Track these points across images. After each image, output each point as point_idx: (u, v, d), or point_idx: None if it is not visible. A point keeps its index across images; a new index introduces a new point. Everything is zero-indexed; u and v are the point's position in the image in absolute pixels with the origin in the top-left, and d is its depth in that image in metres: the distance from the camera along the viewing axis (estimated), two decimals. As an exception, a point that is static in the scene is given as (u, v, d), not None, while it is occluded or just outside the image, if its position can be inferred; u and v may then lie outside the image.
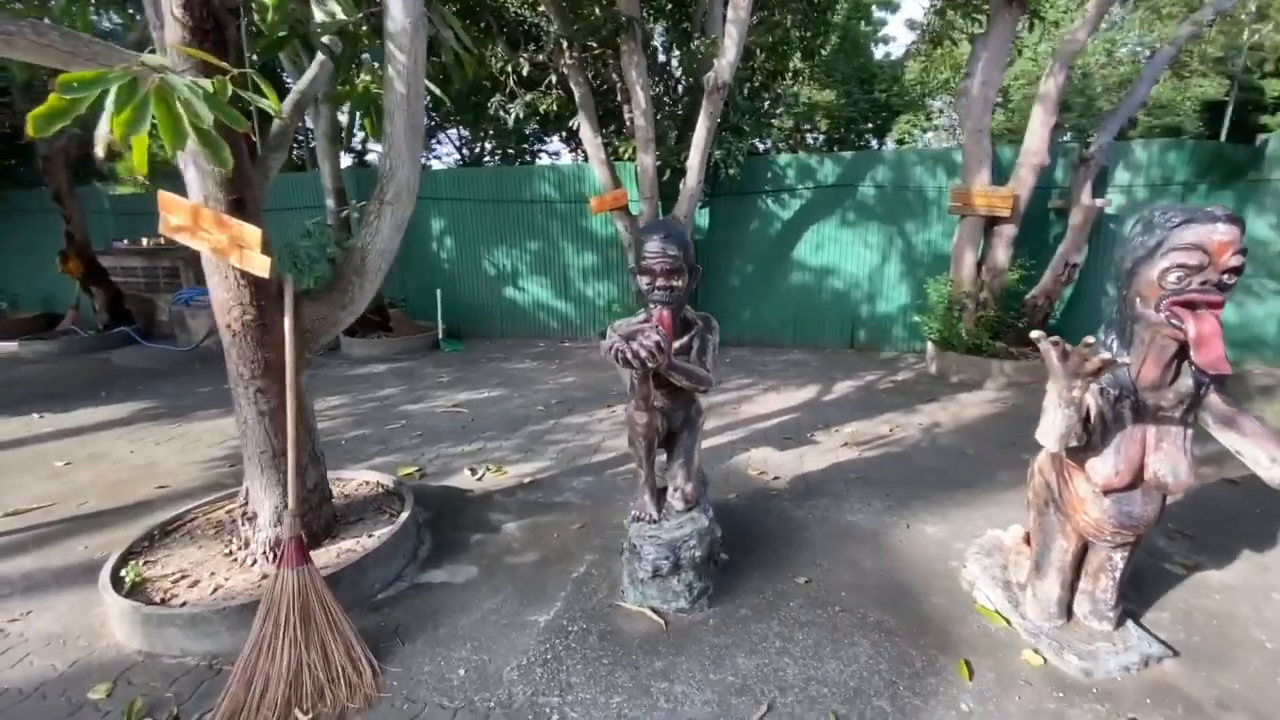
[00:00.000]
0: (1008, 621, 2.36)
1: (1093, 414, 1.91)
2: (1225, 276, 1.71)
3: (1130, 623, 2.25)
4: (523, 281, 8.13)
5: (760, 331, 7.50)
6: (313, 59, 3.04)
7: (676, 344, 2.48)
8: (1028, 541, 2.54)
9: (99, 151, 1.72)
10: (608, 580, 2.70)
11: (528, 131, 12.11)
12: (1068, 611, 2.27)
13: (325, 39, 2.67)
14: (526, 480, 3.77)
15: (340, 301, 2.69)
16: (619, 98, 6.98)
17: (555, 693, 2.08)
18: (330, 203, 7.49)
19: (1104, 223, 6.10)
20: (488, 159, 13.49)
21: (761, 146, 16.45)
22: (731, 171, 6.70)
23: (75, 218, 7.98)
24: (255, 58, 2.74)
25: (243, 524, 2.70)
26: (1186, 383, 1.88)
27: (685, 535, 2.44)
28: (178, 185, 2.44)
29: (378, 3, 2.67)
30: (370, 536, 2.81)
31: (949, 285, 5.86)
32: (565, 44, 6.19)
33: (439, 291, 7.75)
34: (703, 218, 7.36)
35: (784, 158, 7.19)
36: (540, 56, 6.80)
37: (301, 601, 2.14)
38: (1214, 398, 1.90)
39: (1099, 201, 5.85)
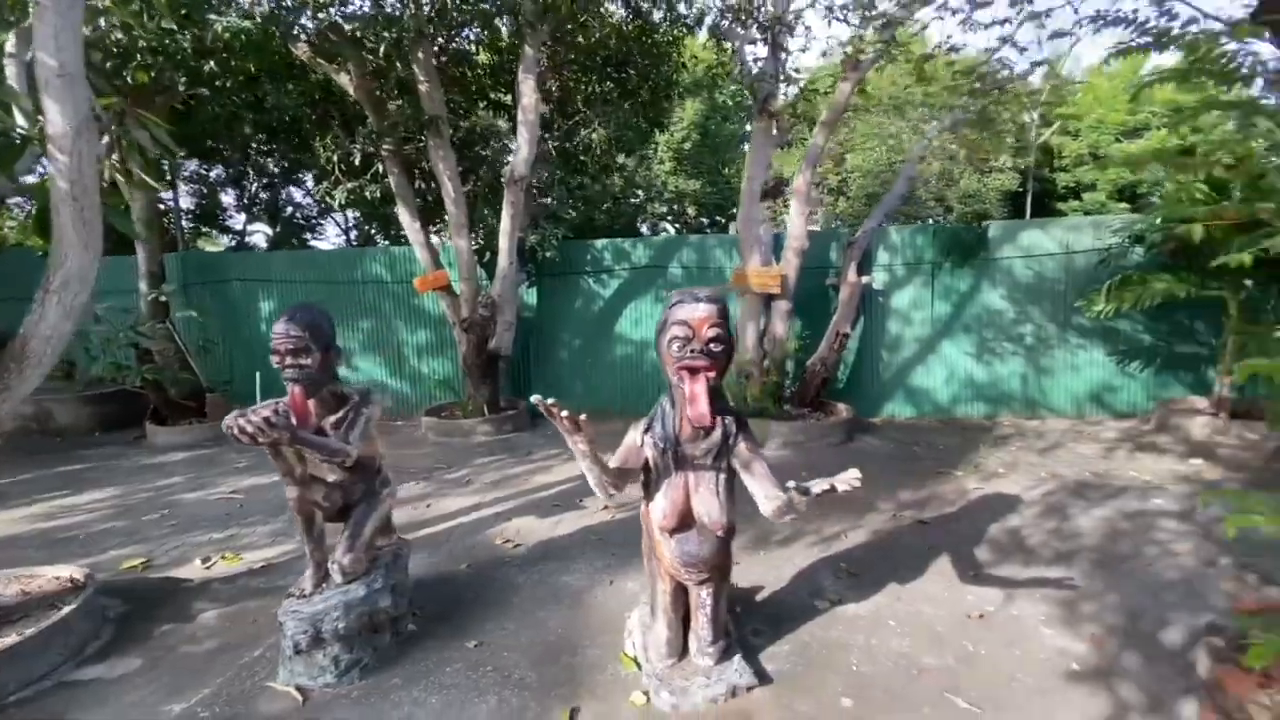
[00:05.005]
0: (639, 666, 2.54)
1: (651, 463, 2.20)
2: (710, 345, 2.08)
3: (738, 657, 2.48)
4: (355, 360, 8.08)
5: (592, 403, 7.74)
6: None
7: (331, 419, 2.63)
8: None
9: None
10: (275, 662, 2.67)
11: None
12: (681, 651, 2.47)
13: (-5, 139, 2.76)
14: (259, 565, 3.67)
15: (-9, 389, 2.65)
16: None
17: (135, 784, 2.02)
18: (143, 286, 7.25)
19: (871, 297, 6.94)
20: (382, 240, 13.57)
21: (645, 229, 17.77)
22: (549, 254, 7.14)
23: None
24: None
25: None
26: (716, 434, 2.21)
27: (329, 608, 2.49)
28: None
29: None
30: (19, 636, 2.66)
31: (736, 355, 6.38)
32: (377, 136, 6.54)
33: (258, 375, 7.53)
34: (531, 296, 7.71)
35: (600, 241, 7.74)
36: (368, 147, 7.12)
37: None
38: (741, 445, 2.24)
39: (864, 279, 6.67)
